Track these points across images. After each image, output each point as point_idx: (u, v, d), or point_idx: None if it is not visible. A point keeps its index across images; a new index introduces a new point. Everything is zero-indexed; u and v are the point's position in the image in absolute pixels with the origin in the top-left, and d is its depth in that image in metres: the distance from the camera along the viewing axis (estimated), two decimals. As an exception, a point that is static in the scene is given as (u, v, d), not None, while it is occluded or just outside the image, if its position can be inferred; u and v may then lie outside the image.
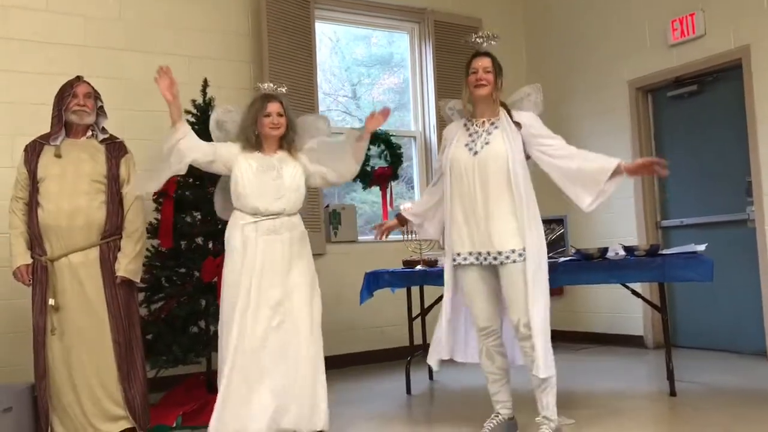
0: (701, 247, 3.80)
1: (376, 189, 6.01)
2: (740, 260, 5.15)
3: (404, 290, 4.74)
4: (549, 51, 6.54)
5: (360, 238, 5.90)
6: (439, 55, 6.31)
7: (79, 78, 3.54)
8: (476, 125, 3.18)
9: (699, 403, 3.79)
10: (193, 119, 4.33)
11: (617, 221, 5.98)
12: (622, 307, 5.89)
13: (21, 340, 4.02)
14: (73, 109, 3.44)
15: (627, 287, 4.29)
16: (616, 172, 3.09)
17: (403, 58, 6.57)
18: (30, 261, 3.39)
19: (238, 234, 3.31)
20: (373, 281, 4.57)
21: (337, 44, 6.46)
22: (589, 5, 6.31)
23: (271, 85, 3.53)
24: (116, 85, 4.73)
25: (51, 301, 3.31)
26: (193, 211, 4.22)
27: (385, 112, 3.46)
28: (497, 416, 3.25)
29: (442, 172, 3.28)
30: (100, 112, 3.57)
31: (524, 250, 3.02)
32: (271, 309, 3.24)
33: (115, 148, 3.53)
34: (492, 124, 3.15)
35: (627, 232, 5.78)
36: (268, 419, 3.17)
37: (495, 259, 3.07)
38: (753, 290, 5.08)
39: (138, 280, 3.50)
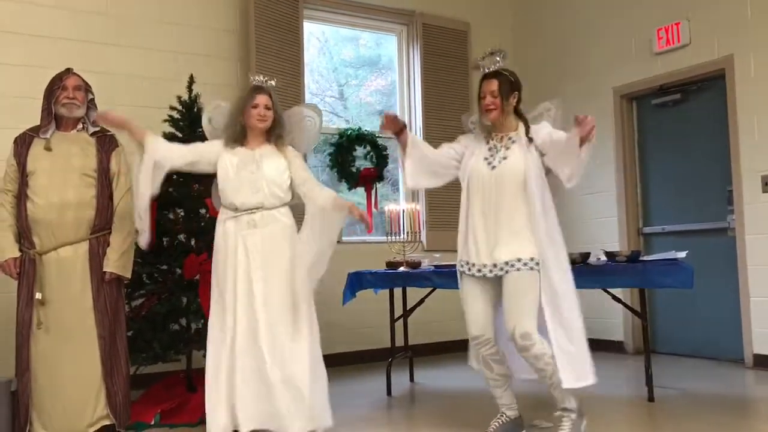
0: (682, 254, 3.83)
1: (361, 190, 6.02)
2: (720, 268, 5.20)
3: (387, 291, 4.74)
4: (536, 57, 6.58)
5: (344, 238, 5.89)
6: (427, 58, 6.32)
7: (69, 70, 3.51)
8: (495, 140, 3.22)
9: (677, 409, 3.82)
10: (178, 115, 4.31)
11: (600, 227, 6.02)
12: (602, 312, 5.91)
13: (2, 334, 3.95)
14: (63, 102, 3.41)
15: (608, 293, 4.32)
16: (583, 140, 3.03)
17: (391, 60, 6.58)
18: (18, 254, 3.36)
19: (221, 230, 3.33)
20: (356, 282, 4.57)
21: (325, 45, 6.45)
22: (577, 12, 6.35)
23: (262, 78, 3.51)
24: (101, 79, 4.65)
25: (38, 295, 3.27)
26: (176, 207, 4.19)
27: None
28: (502, 416, 3.27)
29: (452, 155, 3.32)
30: (91, 105, 3.54)
31: (532, 259, 3.04)
32: (256, 304, 3.20)
33: (106, 142, 3.50)
34: (510, 139, 3.19)
35: (609, 239, 5.82)
36: (256, 417, 3.14)
37: (501, 269, 3.08)
38: (732, 298, 5.13)
39: (128, 276, 3.46)
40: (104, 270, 3.37)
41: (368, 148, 5.99)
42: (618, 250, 5.05)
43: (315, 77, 6.31)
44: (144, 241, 3.29)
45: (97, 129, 3.53)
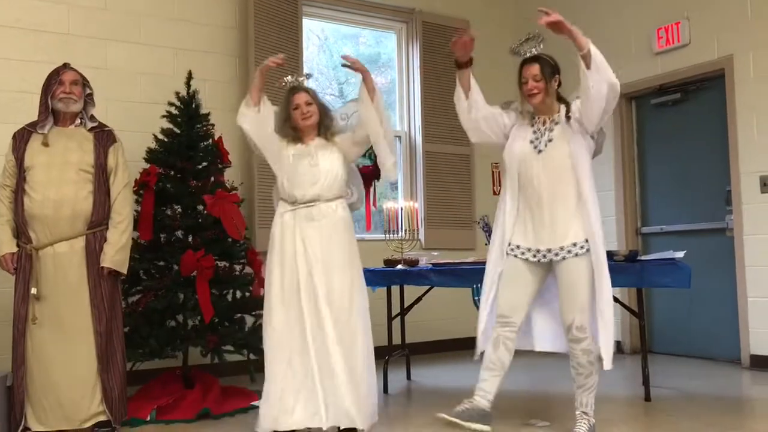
0: (680, 254, 3.83)
1: (359, 188, 5.99)
2: (718, 268, 5.20)
3: (384, 289, 4.73)
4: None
5: (342, 236, 5.88)
6: (427, 56, 6.31)
7: (66, 65, 3.50)
8: (539, 123, 3.23)
9: (673, 408, 3.82)
10: (176, 111, 4.30)
11: (598, 226, 6.01)
12: (600, 311, 5.92)
13: (2, 329, 3.95)
14: (60, 97, 3.41)
15: (605, 292, 4.32)
16: (582, 57, 3.11)
17: (391, 58, 6.57)
18: (15, 249, 3.37)
19: (278, 222, 3.34)
20: (354, 279, 4.56)
21: (325, 42, 6.44)
22: (577, 11, 6.32)
23: (290, 78, 3.49)
24: (100, 75, 4.66)
25: (33, 290, 3.28)
26: (174, 204, 4.18)
27: (350, 59, 3.40)
28: (471, 401, 3.18)
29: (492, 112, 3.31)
30: (89, 99, 3.53)
31: (586, 242, 3.06)
32: (318, 298, 3.21)
33: (104, 137, 3.49)
34: (553, 121, 3.20)
35: (607, 238, 5.75)
36: (311, 413, 3.16)
37: (556, 255, 3.10)
38: (729, 298, 5.13)
39: (124, 272, 3.45)
40: (101, 265, 3.37)
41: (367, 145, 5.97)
42: (616, 249, 5.04)
43: (315, 75, 6.30)
44: None
45: (95, 124, 3.52)
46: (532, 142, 3.19)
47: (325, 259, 3.26)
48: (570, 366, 3.18)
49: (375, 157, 5.86)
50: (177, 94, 4.36)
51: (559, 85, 3.25)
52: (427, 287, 4.66)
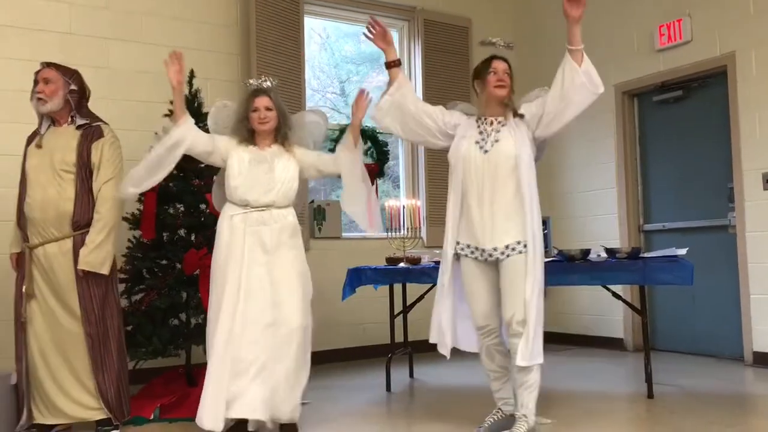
0: (682, 251, 3.83)
1: (361, 186, 5.99)
2: (720, 265, 5.20)
3: (387, 287, 4.73)
4: (537, 53, 6.56)
5: (344, 234, 5.89)
6: (428, 54, 6.31)
7: (42, 63, 3.48)
8: (485, 124, 3.25)
9: (676, 406, 3.81)
10: (178, 110, 4.30)
11: (600, 224, 6.01)
12: (603, 309, 5.92)
13: (9, 326, 3.95)
14: (32, 97, 3.41)
15: (608, 289, 4.32)
16: (572, 53, 3.16)
17: (392, 56, 6.56)
18: (18, 250, 3.44)
19: (226, 224, 3.33)
20: (356, 278, 4.57)
21: (326, 41, 6.45)
22: (578, 8, 6.32)
23: (254, 81, 3.52)
24: (102, 74, 4.69)
25: (24, 288, 3.32)
26: (177, 203, 4.19)
27: (361, 95, 3.51)
28: (498, 412, 3.29)
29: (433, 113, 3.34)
30: (71, 95, 3.44)
31: (525, 245, 3.09)
32: (260, 299, 3.23)
33: (90, 134, 3.43)
34: (500, 123, 3.23)
35: (610, 235, 5.82)
36: (255, 410, 3.16)
37: (502, 254, 3.12)
38: (732, 295, 5.13)
39: (102, 272, 3.33)
40: (77, 267, 3.31)
41: (369, 143, 5.97)
42: (618, 246, 5.04)
43: (316, 73, 6.31)
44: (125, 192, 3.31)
45: (85, 121, 3.47)
46: (477, 142, 3.22)
47: (272, 263, 3.27)
48: (511, 365, 3.14)
49: (377, 155, 5.96)
50: (179, 92, 4.35)
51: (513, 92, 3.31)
52: (430, 285, 4.65)
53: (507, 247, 3.11)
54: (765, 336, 4.90)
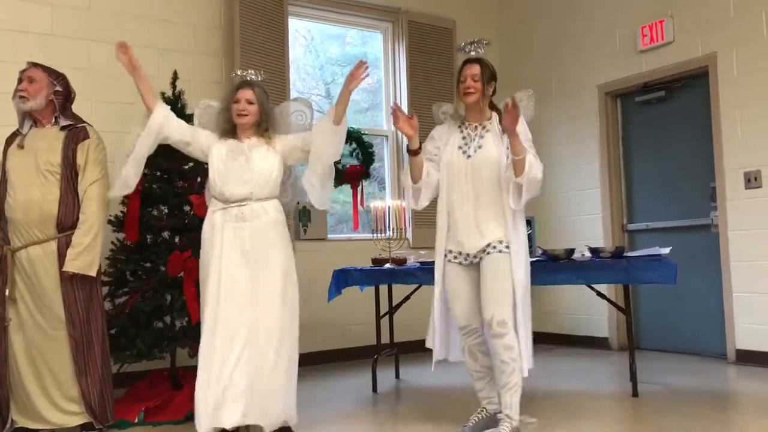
0: (665, 250, 3.86)
1: (347, 188, 5.99)
2: (703, 264, 5.24)
3: (372, 288, 4.73)
4: (522, 55, 6.60)
5: (330, 236, 5.88)
6: (413, 56, 6.32)
7: (28, 63, 3.46)
8: (469, 129, 3.27)
9: (660, 404, 3.84)
10: (161, 112, 4.27)
11: (584, 224, 6.05)
12: (587, 308, 5.95)
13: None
14: (19, 95, 3.38)
15: (592, 289, 4.34)
16: (515, 163, 3.08)
17: (377, 58, 6.57)
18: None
19: (208, 221, 3.30)
20: (342, 279, 4.56)
21: (311, 42, 6.43)
22: (562, 10, 6.37)
23: (240, 73, 3.49)
24: (84, 75, 4.65)
25: (7, 292, 3.27)
26: (160, 204, 4.16)
27: (360, 66, 3.22)
28: (483, 411, 3.30)
29: (439, 175, 3.30)
30: (56, 96, 3.42)
31: (508, 246, 3.11)
32: (241, 299, 3.17)
33: (75, 135, 3.40)
34: (484, 128, 3.25)
35: (594, 235, 5.85)
36: (239, 413, 3.10)
37: (484, 251, 3.14)
38: (715, 294, 5.17)
39: (90, 273, 3.31)
40: (62, 269, 3.26)
41: (354, 145, 5.97)
42: (602, 246, 5.07)
43: (301, 75, 6.29)
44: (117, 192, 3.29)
45: (69, 122, 3.44)
46: (461, 147, 3.24)
47: (254, 261, 3.21)
48: (494, 365, 3.16)
49: (362, 156, 5.95)
50: (162, 94, 4.30)
51: (494, 92, 3.29)
52: (416, 286, 4.66)
53: (488, 245, 3.14)
54: (747, 334, 4.95)
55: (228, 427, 3.10)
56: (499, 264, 3.11)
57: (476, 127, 3.26)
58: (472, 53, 3.29)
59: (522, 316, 3.12)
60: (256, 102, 3.34)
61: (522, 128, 3.15)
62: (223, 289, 3.18)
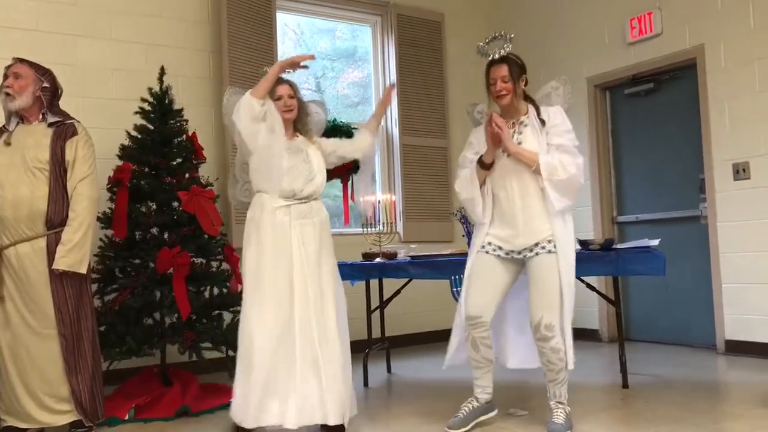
0: (655, 242, 3.87)
1: (337, 182, 5.98)
2: (692, 256, 5.27)
3: (363, 283, 4.73)
4: (511, 47, 6.58)
5: (320, 230, 5.86)
6: (402, 49, 6.31)
7: (14, 59, 3.43)
8: (507, 126, 3.19)
9: (650, 394, 3.86)
10: (149, 107, 4.25)
11: (574, 216, 6.00)
12: (577, 300, 5.86)
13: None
14: (4, 92, 3.35)
15: (582, 281, 4.35)
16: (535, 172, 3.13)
17: (367, 52, 6.55)
18: None
19: (268, 219, 3.18)
20: (332, 274, 4.55)
21: (301, 37, 6.41)
22: (551, 3, 6.37)
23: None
24: (72, 71, 4.62)
25: None
26: (149, 201, 4.14)
27: (391, 89, 3.61)
28: (473, 400, 3.29)
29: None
30: (44, 92, 3.39)
31: (556, 245, 3.09)
32: (306, 296, 3.16)
33: (63, 131, 3.37)
34: (521, 123, 3.21)
35: (584, 227, 5.86)
36: (298, 412, 3.08)
37: (530, 251, 3.13)
38: (704, 285, 5.20)
39: (81, 271, 3.28)
40: (52, 267, 3.23)
41: (344, 139, 5.94)
42: (592, 238, 5.09)
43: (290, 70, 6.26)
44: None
45: (57, 119, 3.41)
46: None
47: (317, 258, 3.23)
48: (540, 363, 3.22)
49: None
50: (150, 90, 4.31)
51: (526, 84, 3.25)
52: (406, 280, 4.67)
53: (536, 244, 3.11)
54: (736, 324, 4.98)
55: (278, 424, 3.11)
56: (550, 267, 3.08)
57: (513, 123, 3.21)
58: (496, 55, 3.20)
59: (567, 316, 3.13)
60: (295, 96, 3.34)
61: (559, 119, 3.17)
62: (296, 290, 3.15)
